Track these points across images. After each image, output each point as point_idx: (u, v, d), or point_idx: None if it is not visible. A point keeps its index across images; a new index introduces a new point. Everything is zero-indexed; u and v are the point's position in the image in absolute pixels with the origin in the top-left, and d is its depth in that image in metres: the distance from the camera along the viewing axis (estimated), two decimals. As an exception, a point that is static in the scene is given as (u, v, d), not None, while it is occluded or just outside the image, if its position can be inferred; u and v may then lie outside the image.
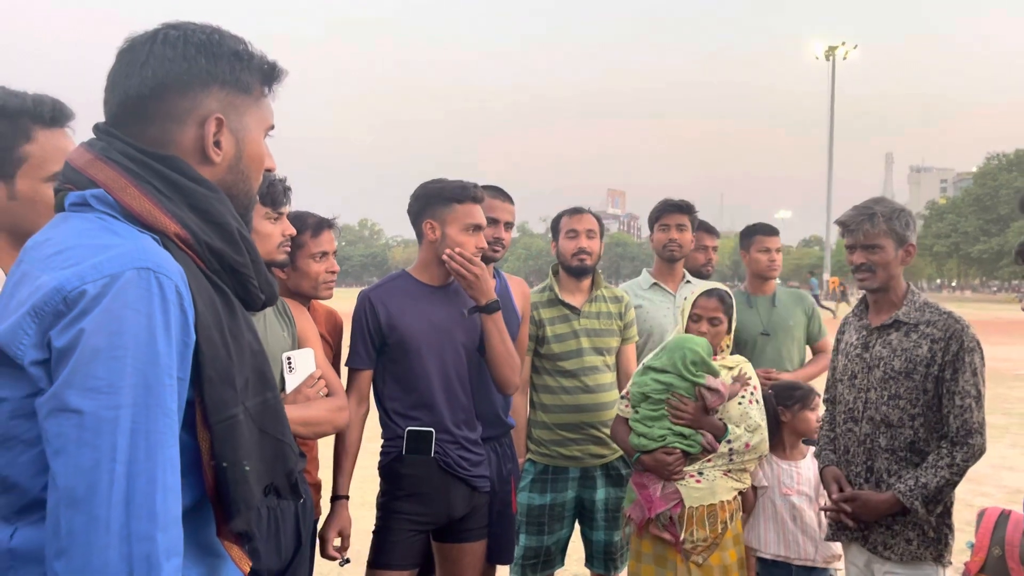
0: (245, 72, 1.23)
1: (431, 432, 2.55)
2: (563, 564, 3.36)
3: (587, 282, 3.36)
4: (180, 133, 1.19)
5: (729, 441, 2.78)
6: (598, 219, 3.41)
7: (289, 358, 2.24)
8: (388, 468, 2.60)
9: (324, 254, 2.47)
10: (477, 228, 2.63)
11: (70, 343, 0.99)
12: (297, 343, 2.34)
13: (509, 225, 3.03)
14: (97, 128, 1.21)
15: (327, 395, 2.29)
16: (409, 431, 2.55)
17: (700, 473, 2.78)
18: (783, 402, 3.02)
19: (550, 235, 3.52)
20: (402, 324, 2.57)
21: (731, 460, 2.78)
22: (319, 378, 2.28)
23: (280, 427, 1.24)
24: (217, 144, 1.21)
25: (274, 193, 2.22)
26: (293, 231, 2.31)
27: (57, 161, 1.60)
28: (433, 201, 2.63)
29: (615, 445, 3.25)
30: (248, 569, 1.19)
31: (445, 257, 2.55)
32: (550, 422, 3.24)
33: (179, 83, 1.17)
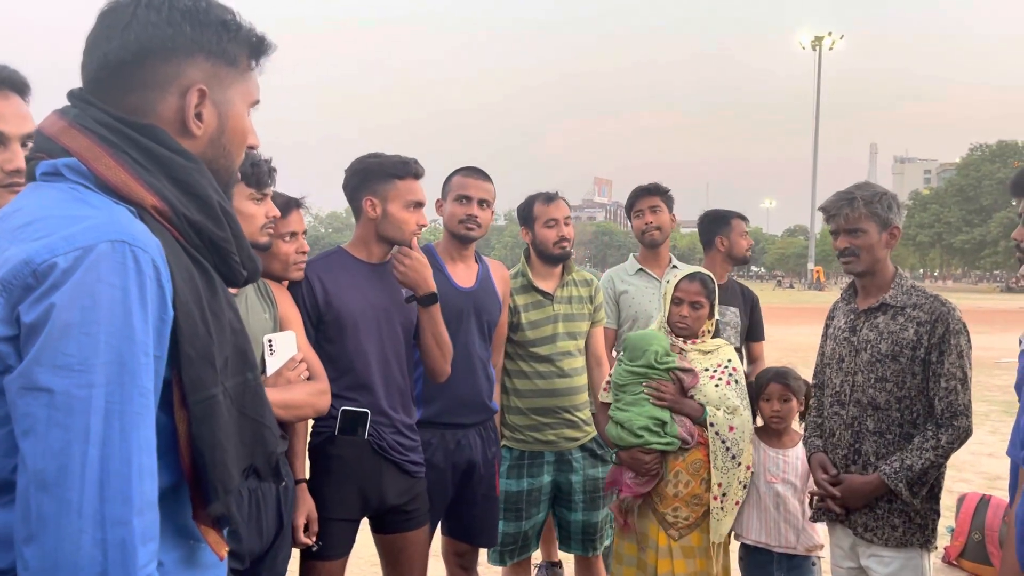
0: (232, 43, 1.18)
1: (366, 413, 2.47)
2: (537, 547, 3.37)
3: (559, 268, 3.35)
4: (160, 102, 1.13)
5: (712, 424, 2.78)
6: (566, 202, 3.39)
7: (270, 340, 2.21)
8: (319, 449, 2.50)
9: (293, 234, 2.41)
10: (419, 205, 2.57)
11: (40, 318, 0.95)
12: (279, 325, 2.31)
13: (485, 203, 2.94)
14: (72, 94, 1.15)
15: (308, 378, 2.26)
16: (343, 411, 2.45)
17: (723, 495, 2.77)
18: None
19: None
20: (338, 302, 2.49)
21: (727, 449, 2.78)
22: (300, 361, 2.25)
23: (260, 409, 1.21)
24: (198, 116, 1.15)
25: (259, 174, 2.17)
26: (277, 213, 2.26)
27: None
28: (372, 177, 2.55)
29: (587, 428, 3.28)
30: (225, 554, 1.15)
31: (395, 262, 2.51)
32: (524, 407, 3.23)
33: (162, 50, 1.12)
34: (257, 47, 1.22)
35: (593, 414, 3.31)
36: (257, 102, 1.25)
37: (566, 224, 3.29)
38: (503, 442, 3.25)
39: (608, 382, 3.04)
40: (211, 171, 1.18)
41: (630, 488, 2.81)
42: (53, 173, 1.08)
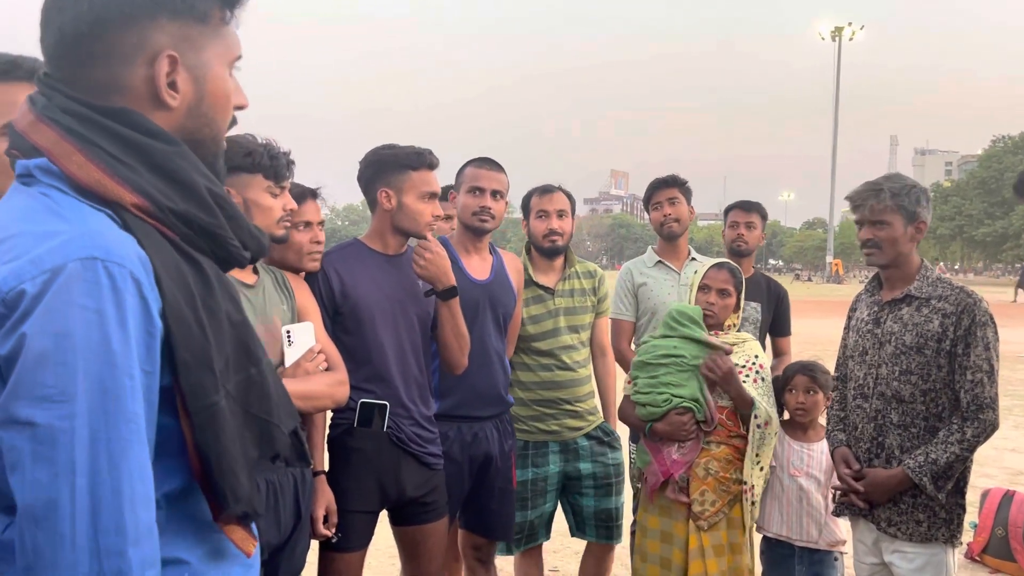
0: None
1: (385, 405, 2.47)
2: (548, 537, 3.35)
3: (560, 261, 3.32)
4: (128, 75, 1.03)
5: (756, 417, 2.76)
6: (569, 196, 3.33)
7: (289, 332, 2.20)
8: (337, 441, 2.50)
9: (308, 224, 2.40)
10: (433, 196, 2.56)
11: (13, 350, 0.90)
12: (297, 316, 2.30)
13: (498, 194, 2.91)
14: (38, 79, 1.05)
15: (327, 369, 2.25)
16: (362, 403, 2.45)
17: (754, 504, 2.77)
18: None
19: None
20: (355, 293, 2.48)
21: (763, 440, 2.76)
22: (319, 352, 2.24)
23: (266, 405, 1.15)
24: (172, 86, 1.05)
25: (277, 166, 2.15)
26: (294, 205, 2.25)
27: (9, 113, 1.51)
28: (387, 168, 2.54)
29: (591, 417, 3.25)
30: (252, 551, 1.12)
31: (415, 256, 2.50)
32: (527, 399, 3.21)
33: (120, 16, 1.01)
34: None
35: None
36: (239, 57, 1.13)
37: (560, 217, 3.22)
38: None
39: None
40: (195, 142, 1.09)
41: (678, 463, 2.78)
42: (26, 175, 1.02)
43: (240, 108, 1.16)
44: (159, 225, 1.03)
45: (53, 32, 1.03)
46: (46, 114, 1.02)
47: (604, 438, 3.29)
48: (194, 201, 1.06)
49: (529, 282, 3.25)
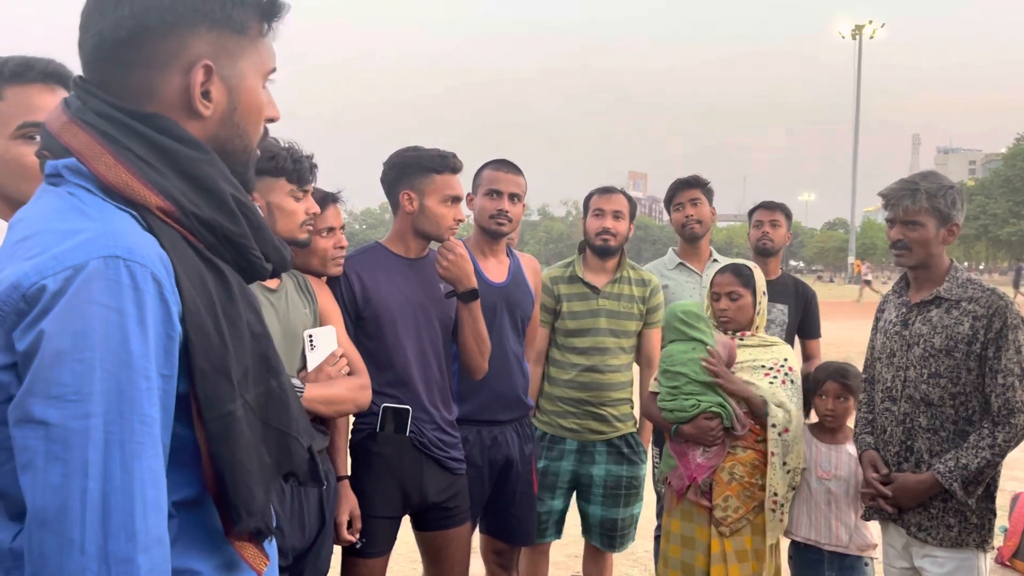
0: (238, 8, 1.06)
1: (408, 410, 2.46)
2: (558, 536, 3.34)
3: (612, 262, 3.31)
4: (163, 83, 1.04)
5: (774, 426, 2.72)
6: (629, 199, 3.35)
7: (311, 336, 2.21)
8: (360, 446, 2.50)
9: (331, 229, 2.40)
10: (456, 199, 2.55)
11: (31, 346, 0.89)
12: (319, 320, 2.30)
13: (516, 197, 2.91)
14: (75, 83, 1.07)
15: (349, 373, 2.25)
16: (385, 408, 2.45)
17: (775, 495, 2.72)
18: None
19: (579, 215, 3.49)
20: (376, 297, 2.48)
21: (785, 448, 2.72)
22: (341, 356, 2.25)
23: (287, 418, 1.12)
24: (206, 95, 1.05)
25: (300, 170, 2.15)
26: (317, 209, 2.24)
27: (24, 115, 1.53)
28: (410, 170, 2.53)
29: (618, 424, 3.23)
30: (263, 569, 1.10)
31: (438, 257, 2.49)
32: (554, 394, 3.23)
33: (160, 24, 1.01)
34: (268, 9, 1.10)
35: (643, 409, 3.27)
36: (273, 70, 1.14)
37: (615, 218, 3.25)
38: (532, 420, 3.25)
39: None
40: (226, 152, 1.09)
41: (703, 467, 2.76)
42: (55, 175, 1.02)
43: (272, 120, 1.16)
44: (183, 230, 1.03)
45: (92, 36, 1.03)
46: (80, 116, 1.02)
47: (624, 449, 3.26)
48: (220, 209, 1.06)
49: (575, 279, 3.26)
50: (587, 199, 3.39)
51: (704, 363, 2.76)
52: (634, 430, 3.31)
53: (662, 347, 3.04)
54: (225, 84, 1.07)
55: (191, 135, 1.05)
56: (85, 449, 0.88)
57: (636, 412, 3.36)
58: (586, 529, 3.35)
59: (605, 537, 3.29)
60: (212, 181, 1.05)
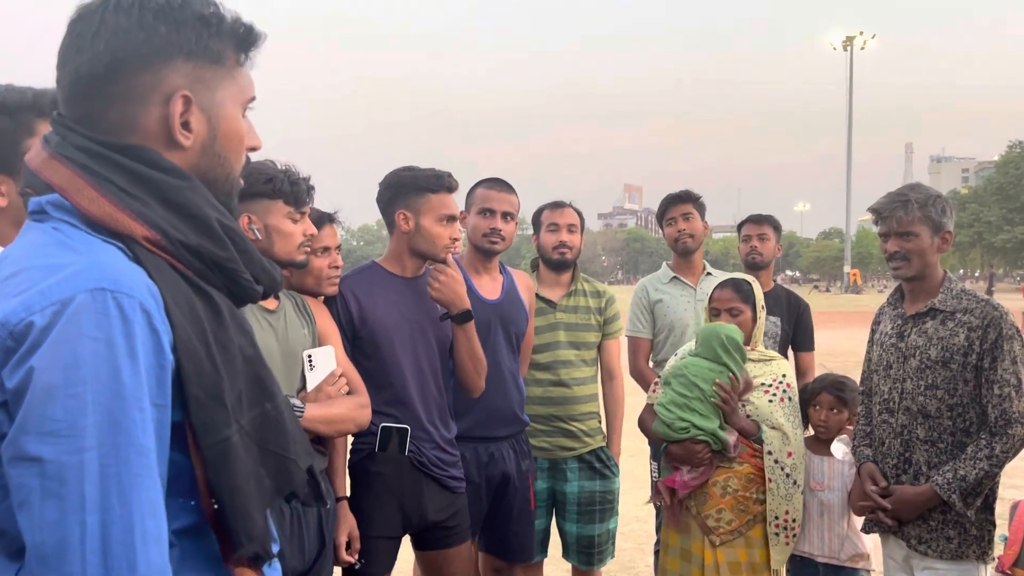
0: (215, 39, 1.06)
1: (406, 429, 2.46)
2: (544, 555, 3.33)
3: (567, 276, 3.36)
4: (143, 115, 1.04)
5: (770, 453, 2.71)
6: (579, 213, 3.40)
7: (310, 356, 2.22)
8: (359, 466, 2.49)
9: (326, 249, 2.41)
10: (452, 219, 2.56)
11: (22, 383, 0.89)
12: (318, 340, 2.31)
13: (508, 215, 2.93)
14: (53, 119, 1.06)
15: (348, 393, 2.26)
16: (383, 427, 2.44)
17: (793, 521, 2.70)
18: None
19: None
20: (373, 317, 2.48)
21: (788, 475, 2.70)
22: (340, 375, 2.25)
23: (283, 441, 1.12)
24: (185, 126, 1.05)
25: (297, 192, 2.17)
26: (315, 231, 2.25)
27: None
28: (406, 190, 2.55)
29: (587, 439, 3.24)
30: None
31: (430, 280, 2.49)
32: None
33: (136, 57, 1.01)
34: (245, 39, 1.10)
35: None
36: (252, 99, 1.14)
37: (570, 231, 3.30)
38: None
39: (656, 382, 2.99)
40: (208, 181, 1.09)
41: (687, 484, 2.75)
42: (39, 212, 1.02)
43: (253, 149, 1.17)
44: (170, 258, 1.02)
45: (70, 72, 1.03)
46: (60, 151, 1.02)
47: (596, 464, 3.27)
48: (205, 235, 1.05)
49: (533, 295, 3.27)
50: (537, 214, 3.42)
51: (717, 386, 2.71)
52: (603, 444, 3.33)
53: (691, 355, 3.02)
54: (204, 114, 1.08)
55: (172, 163, 1.05)
56: (81, 484, 0.88)
57: (604, 427, 3.37)
58: (565, 549, 3.36)
59: (583, 555, 3.30)
60: (196, 207, 1.05)
